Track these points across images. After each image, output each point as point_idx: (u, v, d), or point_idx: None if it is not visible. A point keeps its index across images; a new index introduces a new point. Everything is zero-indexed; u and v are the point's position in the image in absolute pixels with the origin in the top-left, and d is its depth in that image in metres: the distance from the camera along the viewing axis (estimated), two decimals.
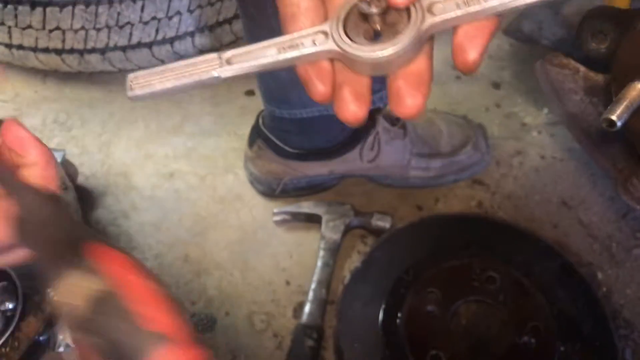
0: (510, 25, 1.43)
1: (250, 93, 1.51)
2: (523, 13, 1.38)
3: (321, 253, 1.17)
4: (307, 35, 0.45)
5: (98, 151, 1.42)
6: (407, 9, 0.44)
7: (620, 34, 0.73)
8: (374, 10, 0.44)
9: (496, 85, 1.48)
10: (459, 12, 0.43)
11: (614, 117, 0.68)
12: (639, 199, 0.84)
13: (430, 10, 0.44)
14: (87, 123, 1.48)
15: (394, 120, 1.26)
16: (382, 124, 1.24)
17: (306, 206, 1.23)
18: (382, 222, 1.21)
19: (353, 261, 1.20)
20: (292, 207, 1.24)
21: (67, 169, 1.27)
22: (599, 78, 0.80)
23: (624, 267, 1.16)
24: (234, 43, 1.51)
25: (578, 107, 0.83)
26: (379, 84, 1.15)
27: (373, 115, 1.23)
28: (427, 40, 0.44)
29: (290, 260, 1.22)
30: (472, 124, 1.35)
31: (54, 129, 1.47)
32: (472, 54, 0.43)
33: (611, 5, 1.21)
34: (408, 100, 0.43)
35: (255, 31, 1.03)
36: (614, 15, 0.78)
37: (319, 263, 1.16)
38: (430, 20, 0.43)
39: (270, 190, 1.28)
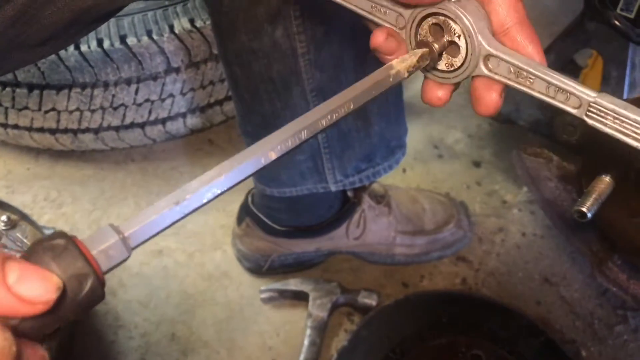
0: None
1: None
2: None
3: (308, 331, 1.18)
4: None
5: (88, 228, 1.44)
6: (466, 50, 0.52)
7: (588, 127, 0.78)
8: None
9: (477, 164, 1.53)
10: (505, 80, 0.51)
11: (584, 209, 0.73)
12: (615, 282, 0.87)
13: (486, 60, 0.52)
14: (77, 200, 1.50)
15: (379, 198, 1.30)
16: (367, 202, 1.27)
17: (293, 284, 1.25)
18: (369, 300, 1.22)
19: (340, 339, 1.20)
20: (279, 285, 1.25)
21: None
22: (571, 167, 0.86)
23: (607, 345, 1.18)
24: (225, 123, 1.56)
25: (553, 193, 0.88)
26: (366, 163, 1.19)
27: (359, 193, 1.27)
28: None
29: (277, 338, 1.22)
30: (454, 202, 1.39)
31: (44, 206, 1.49)
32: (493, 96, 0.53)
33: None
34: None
35: (247, 115, 1.08)
36: None
37: (306, 342, 1.17)
38: (479, 70, 0.52)
39: (258, 267, 1.30)
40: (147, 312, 1.27)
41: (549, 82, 0.49)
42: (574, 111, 0.48)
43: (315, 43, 0.92)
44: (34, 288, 0.34)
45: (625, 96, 1.17)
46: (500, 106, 0.55)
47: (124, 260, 0.38)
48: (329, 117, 0.49)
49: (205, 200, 0.42)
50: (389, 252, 1.30)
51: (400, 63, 0.52)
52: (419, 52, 0.52)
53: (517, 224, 1.40)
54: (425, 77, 0.56)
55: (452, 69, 0.54)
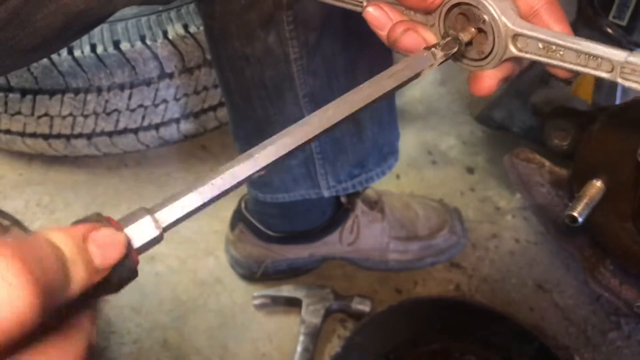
0: (481, 114, 1.51)
1: None
2: (494, 102, 1.46)
3: (301, 338, 1.17)
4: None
5: None
6: (492, 34, 0.52)
7: (580, 132, 0.79)
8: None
9: (470, 170, 1.54)
10: (537, 57, 0.51)
11: (575, 214, 0.73)
12: (607, 287, 0.87)
13: (514, 40, 0.52)
14: (70, 206, 1.49)
15: (372, 204, 1.30)
16: (360, 207, 1.27)
17: (286, 290, 1.24)
18: (362, 306, 1.22)
19: (333, 346, 1.20)
20: (272, 291, 1.25)
21: None
22: (563, 172, 0.86)
23: (600, 351, 1.18)
24: (218, 128, 1.56)
25: (545, 198, 0.88)
26: (359, 169, 1.19)
27: (352, 199, 1.27)
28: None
29: (270, 345, 1.21)
30: (447, 207, 1.39)
31: (36, 212, 1.48)
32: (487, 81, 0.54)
33: (576, 95, 1.30)
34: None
35: (240, 121, 1.08)
36: (574, 115, 0.85)
37: (299, 348, 1.16)
38: (509, 52, 0.52)
39: (251, 274, 1.30)
40: (140, 318, 1.26)
41: (578, 51, 0.49)
42: (607, 76, 0.48)
43: (308, 49, 0.92)
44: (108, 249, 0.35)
45: (617, 103, 1.18)
46: (493, 91, 0.56)
47: (157, 241, 0.40)
48: (358, 106, 0.49)
49: (238, 180, 0.43)
50: (382, 257, 1.30)
51: (428, 53, 0.52)
52: (444, 41, 0.53)
53: (511, 230, 1.40)
54: (470, 71, 0.56)
55: (483, 55, 0.54)
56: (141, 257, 1.33)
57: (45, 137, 1.44)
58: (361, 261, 1.31)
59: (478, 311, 1.20)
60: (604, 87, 1.24)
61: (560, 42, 0.49)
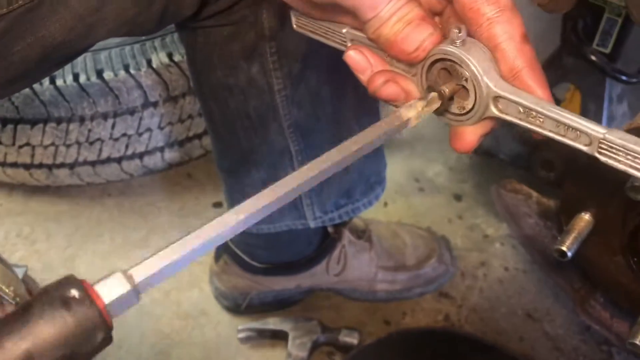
0: None
1: (218, 205, 1.52)
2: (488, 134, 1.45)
3: None
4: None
5: (62, 266, 1.40)
6: (475, 93, 0.51)
7: (566, 164, 0.78)
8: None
9: (458, 198, 1.53)
10: (516, 120, 0.50)
11: (564, 248, 0.72)
12: (598, 320, 0.86)
13: (495, 101, 0.51)
14: (52, 237, 1.46)
15: (360, 233, 1.28)
16: (348, 237, 1.25)
17: (272, 322, 1.22)
18: (350, 339, 1.19)
19: None
20: (258, 324, 1.22)
21: (28, 286, 1.23)
22: (550, 203, 0.85)
23: None
24: (204, 157, 1.54)
25: (533, 229, 0.87)
26: (345, 199, 1.17)
27: (339, 228, 1.25)
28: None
29: None
30: (435, 236, 1.37)
31: (17, 243, 1.45)
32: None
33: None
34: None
35: (224, 151, 1.06)
36: (559, 148, 0.84)
37: None
38: (490, 112, 0.52)
39: (236, 306, 1.27)
40: (122, 352, 1.23)
41: (558, 121, 0.48)
42: (585, 149, 0.48)
43: (292, 79, 0.91)
44: None
45: None
46: (474, 147, 0.55)
47: (131, 303, 0.39)
48: (329, 169, 0.47)
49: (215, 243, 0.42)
50: (370, 288, 1.28)
51: (409, 108, 0.52)
52: (428, 96, 0.52)
53: (500, 258, 1.38)
54: (451, 125, 0.56)
55: (464, 111, 0.53)
56: None
57: (27, 166, 1.41)
58: (349, 292, 1.29)
59: (468, 342, 1.18)
60: (590, 115, 1.24)
61: (541, 110, 0.49)
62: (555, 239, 0.76)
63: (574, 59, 1.25)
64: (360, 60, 0.56)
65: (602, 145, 0.46)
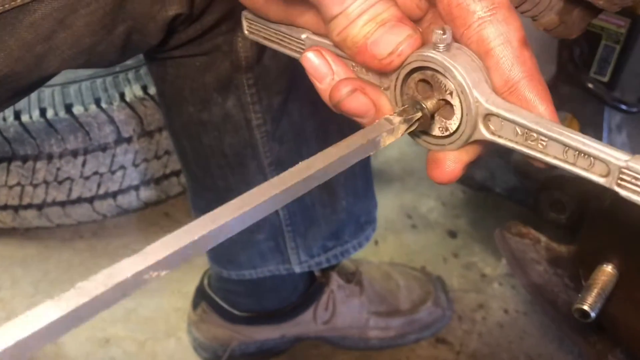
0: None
1: None
2: (474, 161, 1.38)
3: None
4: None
5: None
6: (461, 110, 0.41)
7: (580, 205, 0.70)
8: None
9: (452, 234, 1.44)
10: (512, 144, 0.40)
11: (586, 308, 0.62)
12: None
13: (485, 120, 0.41)
14: (17, 283, 1.36)
15: (349, 276, 1.19)
16: (336, 281, 1.16)
17: None
18: None
19: None
20: None
21: None
22: (562, 249, 0.76)
23: None
24: (182, 194, 1.45)
25: (542, 277, 0.79)
26: (333, 241, 1.07)
27: (326, 272, 1.16)
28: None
29: None
30: (430, 277, 1.29)
31: None
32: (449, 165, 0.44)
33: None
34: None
35: (199, 191, 0.98)
36: (571, 186, 0.76)
37: None
38: (479, 134, 0.41)
39: (216, 358, 1.17)
40: None
41: (566, 144, 0.38)
42: (601, 180, 0.37)
43: (273, 114, 0.83)
44: None
45: None
46: (458, 178, 0.44)
47: None
48: (292, 191, 0.37)
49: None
50: (362, 335, 1.18)
51: (385, 125, 0.41)
52: (404, 114, 0.42)
53: (499, 300, 1.29)
54: (429, 150, 0.45)
55: (447, 133, 0.43)
56: (94, 340, 1.17)
57: None
58: (339, 340, 1.19)
59: None
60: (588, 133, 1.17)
61: (543, 131, 0.38)
62: (567, 288, 0.68)
63: (570, 87, 1.20)
64: (319, 65, 0.44)
65: (624, 177, 0.36)
